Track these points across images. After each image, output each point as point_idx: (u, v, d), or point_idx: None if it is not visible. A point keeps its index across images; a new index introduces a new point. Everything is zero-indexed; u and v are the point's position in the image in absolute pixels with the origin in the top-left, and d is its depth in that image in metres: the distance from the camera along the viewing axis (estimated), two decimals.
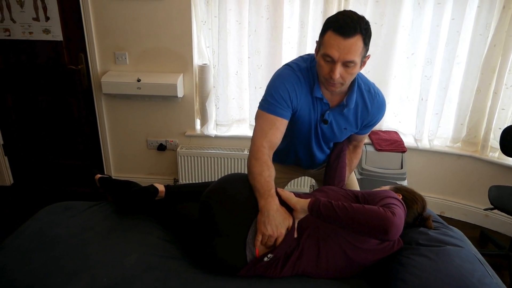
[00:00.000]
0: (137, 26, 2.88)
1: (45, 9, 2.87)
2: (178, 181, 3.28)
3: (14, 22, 2.92)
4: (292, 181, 2.52)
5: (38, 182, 3.47)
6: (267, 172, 1.52)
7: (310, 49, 2.79)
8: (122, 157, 3.35)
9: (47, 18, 2.89)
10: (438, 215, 1.90)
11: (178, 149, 3.17)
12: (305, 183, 3.23)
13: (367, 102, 1.67)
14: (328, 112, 1.66)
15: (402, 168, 2.84)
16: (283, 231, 1.44)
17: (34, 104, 3.19)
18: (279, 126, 1.60)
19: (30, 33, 2.94)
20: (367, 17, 1.49)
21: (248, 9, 2.74)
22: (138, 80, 2.86)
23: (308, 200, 1.45)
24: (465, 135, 2.96)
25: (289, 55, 2.87)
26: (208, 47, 2.95)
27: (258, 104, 1.66)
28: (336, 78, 1.46)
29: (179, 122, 3.17)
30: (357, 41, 1.41)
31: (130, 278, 1.44)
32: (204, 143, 3.21)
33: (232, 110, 3.11)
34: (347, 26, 1.39)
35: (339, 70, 1.45)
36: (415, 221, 1.64)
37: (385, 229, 1.32)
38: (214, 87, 3.00)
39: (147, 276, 1.46)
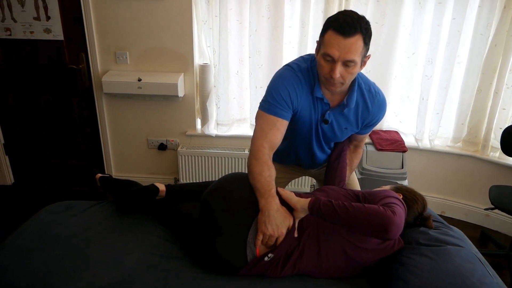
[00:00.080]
0: (138, 25, 2.88)
1: (46, 8, 2.87)
2: (178, 180, 3.29)
3: (15, 21, 2.92)
4: (293, 181, 2.52)
5: (39, 181, 3.47)
6: (268, 172, 1.52)
7: (311, 48, 2.79)
8: (122, 156, 3.36)
9: (48, 18, 2.90)
10: (438, 214, 1.90)
11: (179, 149, 3.17)
12: (306, 183, 3.23)
13: (368, 101, 1.67)
14: (328, 112, 1.66)
15: (402, 167, 2.84)
16: (283, 230, 1.44)
17: (35, 104, 3.20)
18: (280, 127, 1.60)
19: (31, 32, 2.95)
20: (368, 17, 1.49)
21: (249, 9, 2.74)
22: (139, 80, 2.86)
23: (309, 199, 1.46)
24: (465, 135, 2.96)
25: (289, 54, 2.87)
26: (209, 46, 2.95)
27: (258, 104, 1.66)
28: (337, 77, 1.46)
29: (179, 121, 3.18)
30: (358, 40, 1.41)
31: (130, 277, 1.44)
32: (204, 142, 3.22)
33: (233, 110, 3.11)
34: (347, 25, 1.39)
35: (339, 69, 1.45)
36: (415, 221, 1.64)
37: (385, 228, 1.32)
38: (214, 86, 3.00)
39: (147, 276, 1.46)
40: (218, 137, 3.17)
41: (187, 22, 2.84)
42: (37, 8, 2.87)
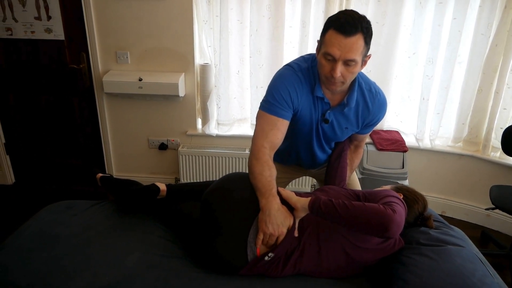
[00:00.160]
0: (139, 25, 2.88)
1: (47, 8, 2.87)
2: (179, 180, 3.29)
3: (16, 21, 2.92)
4: (293, 181, 2.52)
5: (40, 181, 3.47)
6: (268, 172, 1.53)
7: (312, 48, 2.79)
8: (123, 156, 3.36)
9: (49, 17, 2.90)
10: (439, 214, 1.90)
11: (180, 148, 3.17)
12: (306, 183, 3.23)
13: (368, 101, 1.67)
14: (329, 111, 1.66)
15: (403, 167, 2.84)
16: (284, 230, 1.44)
17: (36, 103, 3.20)
18: (280, 127, 1.60)
19: (32, 32, 2.95)
20: (369, 17, 1.49)
21: (250, 9, 2.74)
22: (140, 80, 2.87)
23: (309, 198, 1.46)
24: (466, 135, 2.95)
25: (290, 54, 2.87)
26: (209, 46, 2.95)
27: (259, 104, 1.66)
28: (337, 76, 1.46)
29: (180, 121, 3.18)
30: (358, 39, 1.41)
31: (131, 277, 1.44)
32: (205, 142, 3.22)
33: (234, 110, 3.11)
34: (348, 24, 1.39)
35: (340, 68, 1.45)
36: (416, 221, 1.63)
37: (385, 226, 1.32)
38: (215, 86, 3.00)
39: (148, 275, 1.46)
40: (218, 137, 3.17)
41: (188, 22, 2.85)
42: (38, 8, 2.88)
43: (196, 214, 1.60)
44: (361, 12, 1.47)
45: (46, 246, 1.58)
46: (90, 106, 3.17)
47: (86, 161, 3.37)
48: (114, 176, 2.24)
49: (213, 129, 3.15)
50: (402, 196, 1.57)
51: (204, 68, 2.97)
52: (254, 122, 1.70)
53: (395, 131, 3.07)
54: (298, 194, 1.54)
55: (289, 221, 1.47)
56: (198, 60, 3.02)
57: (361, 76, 1.66)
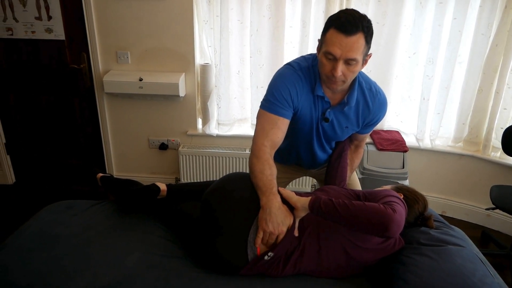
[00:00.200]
0: (139, 25, 2.88)
1: (47, 8, 2.88)
2: (179, 180, 3.29)
3: (17, 21, 2.92)
4: (294, 180, 2.52)
5: (40, 181, 3.48)
6: (269, 171, 1.53)
7: (312, 48, 2.79)
8: (123, 156, 3.36)
9: (50, 17, 2.90)
10: (439, 214, 1.90)
11: (180, 148, 3.17)
12: (307, 183, 3.23)
13: (368, 100, 1.67)
14: (329, 110, 1.66)
15: (403, 167, 2.84)
16: (284, 229, 1.44)
17: (36, 103, 3.20)
18: (281, 126, 1.60)
19: (33, 32, 2.95)
20: (369, 16, 1.49)
21: (250, 9, 2.74)
22: (140, 80, 2.87)
23: (309, 198, 1.46)
24: (467, 135, 2.95)
25: (290, 54, 2.87)
26: (210, 46, 2.95)
27: (259, 104, 1.66)
28: (338, 75, 1.46)
29: (180, 121, 3.18)
30: (359, 39, 1.41)
31: (131, 277, 1.44)
32: (205, 142, 3.22)
33: (234, 110, 3.11)
34: (349, 24, 1.39)
35: (340, 67, 1.45)
36: (416, 221, 1.63)
37: (385, 225, 1.32)
38: (216, 86, 3.00)
39: (148, 275, 1.46)
40: (219, 136, 3.17)
41: (188, 22, 2.85)
42: (38, 8, 2.88)
43: (197, 214, 1.60)
44: (361, 12, 1.47)
45: (46, 246, 1.57)
46: (90, 106, 3.17)
47: (87, 161, 3.37)
48: (115, 176, 2.24)
49: (214, 129, 3.15)
50: (402, 196, 1.57)
51: (205, 68, 2.97)
52: (255, 122, 1.71)
53: (396, 131, 3.07)
54: (298, 194, 1.54)
55: (289, 220, 1.47)
56: (199, 60, 3.02)
57: (361, 75, 1.66)
